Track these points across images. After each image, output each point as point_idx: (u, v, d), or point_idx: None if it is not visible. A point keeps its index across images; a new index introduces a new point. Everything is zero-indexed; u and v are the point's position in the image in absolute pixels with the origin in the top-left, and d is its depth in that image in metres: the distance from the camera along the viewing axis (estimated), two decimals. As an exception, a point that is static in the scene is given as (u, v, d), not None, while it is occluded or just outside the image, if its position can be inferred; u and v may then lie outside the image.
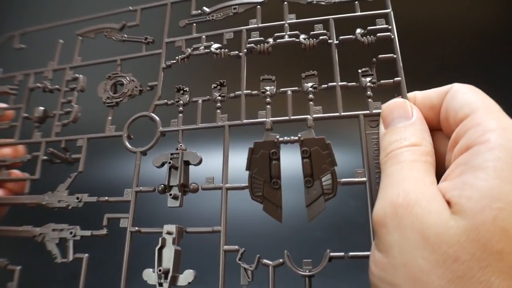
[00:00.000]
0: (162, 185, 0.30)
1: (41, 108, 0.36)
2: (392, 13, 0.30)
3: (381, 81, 0.28)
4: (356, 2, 0.31)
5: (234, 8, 0.34)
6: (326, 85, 0.29)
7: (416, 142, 0.23)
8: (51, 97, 0.37)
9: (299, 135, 0.27)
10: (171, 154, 0.29)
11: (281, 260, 0.26)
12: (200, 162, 0.29)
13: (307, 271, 0.25)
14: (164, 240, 0.27)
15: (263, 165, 0.28)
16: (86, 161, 0.33)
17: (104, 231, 0.30)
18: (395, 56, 0.28)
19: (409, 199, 0.21)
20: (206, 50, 0.33)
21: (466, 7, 0.87)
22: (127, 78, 0.34)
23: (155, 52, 0.34)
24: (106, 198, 0.31)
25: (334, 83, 0.29)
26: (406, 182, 0.21)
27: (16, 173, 0.36)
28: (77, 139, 0.34)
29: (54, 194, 0.32)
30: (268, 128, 0.28)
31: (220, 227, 0.27)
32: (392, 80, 0.28)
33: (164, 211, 0.29)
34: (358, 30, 0.30)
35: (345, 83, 0.29)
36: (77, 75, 0.36)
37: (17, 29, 0.41)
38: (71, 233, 0.31)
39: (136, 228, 0.29)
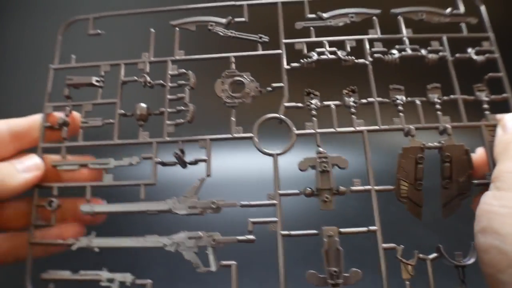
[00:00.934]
0: (309, 188, 0.31)
1: (143, 104, 0.34)
2: (493, 36, 0.35)
3: (492, 96, 0.33)
4: (463, 24, 0.35)
5: (351, 17, 0.35)
6: (448, 97, 0.33)
7: None
8: (148, 93, 0.35)
9: (442, 142, 0.31)
10: (319, 158, 0.31)
11: (436, 254, 0.29)
12: (347, 166, 0.31)
13: (461, 262, 0.29)
14: (330, 242, 0.29)
15: (410, 168, 0.31)
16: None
17: (251, 237, 0.30)
18: (501, 74, 0.33)
19: None
20: (333, 56, 0.34)
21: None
22: (246, 77, 0.34)
23: (275, 52, 0.34)
24: (248, 202, 0.31)
25: (456, 96, 0.33)
26: None
27: (98, 201, 0.33)
28: (198, 140, 0.32)
29: (181, 200, 0.31)
30: (413, 134, 0.31)
31: (375, 227, 0.30)
32: (500, 96, 0.33)
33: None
34: (470, 50, 0.34)
35: (465, 96, 0.33)
36: (184, 70, 0.34)
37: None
38: (214, 240, 0.30)
39: (287, 231, 0.30)
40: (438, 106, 0.33)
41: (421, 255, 0.29)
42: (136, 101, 0.34)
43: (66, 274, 0.30)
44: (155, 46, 0.35)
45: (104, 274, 0.30)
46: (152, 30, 0.36)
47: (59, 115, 0.34)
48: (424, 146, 0.31)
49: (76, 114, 0.34)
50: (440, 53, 0.34)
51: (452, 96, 0.33)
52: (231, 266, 0.29)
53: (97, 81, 0.35)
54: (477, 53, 0.34)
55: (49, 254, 0.32)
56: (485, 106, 0.33)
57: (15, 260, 0.32)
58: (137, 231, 0.31)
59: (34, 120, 0.34)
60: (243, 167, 0.49)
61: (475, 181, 0.31)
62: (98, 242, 0.31)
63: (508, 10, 0.63)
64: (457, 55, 0.34)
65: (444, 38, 0.34)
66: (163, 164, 0.32)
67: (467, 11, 0.35)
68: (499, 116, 0.32)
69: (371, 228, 0.30)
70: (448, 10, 0.35)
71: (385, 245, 0.29)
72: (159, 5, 0.37)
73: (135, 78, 0.34)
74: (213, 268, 0.29)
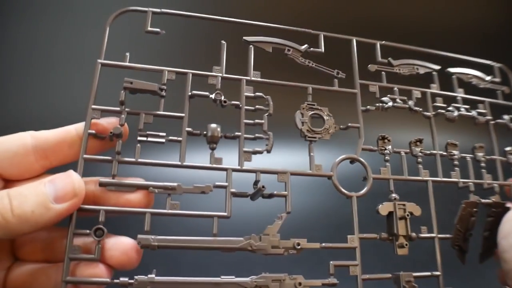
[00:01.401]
0: (385, 234, 0.31)
1: (215, 125, 0.30)
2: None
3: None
4: (499, 91, 0.40)
5: (417, 68, 0.37)
6: (489, 157, 0.37)
7: None
8: (216, 109, 0.31)
9: (492, 199, 0.34)
10: (397, 204, 0.31)
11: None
12: (420, 214, 0.32)
13: None
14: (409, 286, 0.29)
15: (466, 219, 0.33)
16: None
17: (335, 280, 0.28)
18: None
19: None
20: (405, 104, 0.35)
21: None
22: (325, 112, 0.33)
23: (352, 90, 0.34)
24: (331, 245, 0.29)
25: (496, 157, 0.37)
26: None
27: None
28: (277, 173, 0.30)
29: (263, 239, 0.28)
30: (472, 190, 0.34)
31: (438, 272, 0.31)
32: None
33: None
34: (505, 116, 0.39)
35: (502, 157, 0.37)
36: (262, 95, 0.31)
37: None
38: (299, 284, 0.27)
39: (367, 275, 0.29)
40: (482, 164, 0.36)
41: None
42: (202, 119, 0.30)
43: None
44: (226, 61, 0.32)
45: None
46: (223, 42, 0.32)
47: (110, 121, 0.28)
48: (479, 202, 0.33)
49: (127, 128, 0.28)
50: (486, 117, 0.38)
51: (493, 157, 0.37)
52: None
53: (160, 89, 0.29)
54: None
55: None
56: (516, 167, 0.38)
57: None
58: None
59: (66, 132, 0.27)
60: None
61: None
62: (161, 279, 0.26)
63: None
64: (498, 120, 0.38)
65: (487, 102, 0.38)
66: (236, 195, 0.29)
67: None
68: None
69: (435, 273, 0.31)
70: (489, 77, 0.40)
71: (450, 293, 0.31)
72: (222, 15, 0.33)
73: (208, 93, 0.30)
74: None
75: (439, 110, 0.36)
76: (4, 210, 0.22)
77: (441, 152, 0.35)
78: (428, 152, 0.35)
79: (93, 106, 0.28)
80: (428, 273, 0.31)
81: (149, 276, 0.26)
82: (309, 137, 0.31)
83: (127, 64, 0.30)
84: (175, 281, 0.26)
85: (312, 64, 0.34)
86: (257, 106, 0.31)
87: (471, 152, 0.37)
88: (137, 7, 0.31)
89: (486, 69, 0.40)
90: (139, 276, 0.25)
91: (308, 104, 0.32)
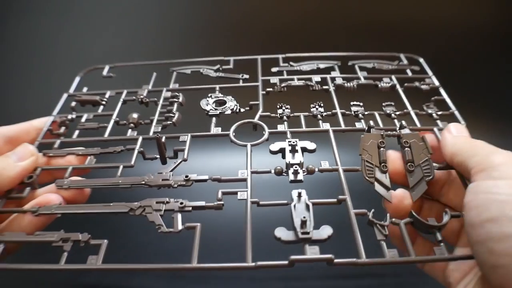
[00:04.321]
0: (279, 167, 0.32)
1: (135, 114, 0.39)
2: (433, 76, 0.42)
3: (440, 112, 0.38)
4: (408, 69, 0.43)
5: (317, 65, 0.44)
6: (402, 112, 0.38)
7: None
8: (144, 112, 0.40)
9: (400, 131, 0.34)
10: (289, 141, 0.33)
11: (409, 219, 0.28)
12: (315, 149, 0.33)
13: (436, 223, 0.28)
14: (298, 199, 0.28)
15: (373, 151, 0.33)
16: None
17: (220, 203, 0.30)
18: (445, 98, 0.39)
19: None
20: (301, 82, 0.41)
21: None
22: (228, 98, 0.40)
23: (253, 84, 0.41)
24: (219, 176, 0.31)
25: (409, 110, 0.38)
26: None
27: (76, 179, 0.34)
28: (179, 136, 0.36)
29: (156, 175, 0.32)
30: (373, 126, 0.35)
31: (345, 196, 0.30)
32: (448, 112, 0.38)
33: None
34: (416, 83, 0.41)
35: (417, 110, 0.38)
36: (176, 93, 0.41)
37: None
38: (181, 203, 0.30)
39: (256, 198, 0.30)
40: (394, 116, 0.37)
41: (393, 219, 0.28)
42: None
43: (20, 236, 0.29)
44: (157, 83, 0.43)
45: (57, 234, 0.28)
46: (155, 73, 0.44)
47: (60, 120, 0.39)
48: (384, 134, 0.34)
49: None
50: (391, 83, 0.41)
51: (405, 110, 0.38)
52: (196, 228, 0.28)
53: (101, 99, 0.41)
54: (421, 85, 0.41)
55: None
56: (435, 116, 0.37)
57: None
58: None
59: (25, 126, 0.37)
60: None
61: (436, 165, 0.32)
62: (61, 209, 0.30)
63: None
64: (406, 84, 0.41)
65: (393, 76, 0.42)
66: (144, 156, 0.35)
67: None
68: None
69: (341, 197, 0.30)
70: (395, 62, 0.44)
71: (355, 211, 0.29)
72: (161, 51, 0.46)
73: (133, 97, 0.41)
74: (177, 229, 0.28)
75: (336, 83, 0.40)
76: None
77: (342, 110, 0.38)
78: (330, 112, 0.38)
79: (54, 114, 0.40)
80: (334, 200, 0.30)
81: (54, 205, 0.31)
82: (210, 113, 0.38)
83: (84, 92, 0.43)
84: (74, 208, 0.30)
85: (221, 74, 0.43)
86: (170, 100, 0.40)
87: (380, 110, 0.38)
88: (100, 65, 0.46)
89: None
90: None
91: (214, 95, 0.40)
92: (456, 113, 0.38)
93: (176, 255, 0.29)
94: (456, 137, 0.32)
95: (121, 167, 0.33)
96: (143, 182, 0.32)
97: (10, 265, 0.26)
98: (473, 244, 0.25)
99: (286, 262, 0.25)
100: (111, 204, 0.30)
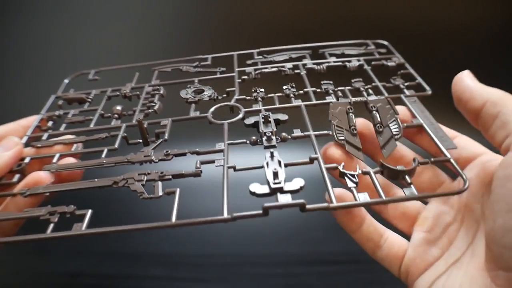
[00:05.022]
0: (254, 137, 0.34)
1: (119, 106, 0.41)
2: (399, 55, 0.45)
3: (407, 83, 0.40)
4: (375, 52, 0.46)
5: (290, 55, 0.47)
6: (370, 85, 0.40)
7: None
8: (127, 105, 0.42)
9: (366, 98, 0.36)
10: (262, 114, 0.35)
11: (378, 168, 0.30)
12: (287, 119, 0.35)
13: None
14: (270, 158, 0.30)
15: (343, 117, 0.35)
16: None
17: (199, 170, 0.31)
18: (411, 71, 0.42)
19: None
20: (274, 69, 0.43)
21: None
22: (206, 88, 0.42)
23: (229, 75, 0.44)
24: (197, 149, 0.33)
25: (377, 83, 0.40)
26: None
27: (69, 159, 0.35)
28: (160, 121, 0.38)
29: (138, 153, 0.34)
30: (340, 95, 0.37)
31: (317, 155, 0.31)
32: (415, 82, 0.40)
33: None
34: (383, 61, 0.44)
35: (384, 83, 0.40)
36: (157, 87, 0.43)
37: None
38: (161, 173, 0.31)
39: (233, 164, 0.31)
40: (362, 89, 0.39)
41: (363, 169, 0.30)
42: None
43: (10, 214, 0.30)
44: (139, 81, 0.46)
45: (45, 209, 0.29)
46: (137, 73, 0.47)
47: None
48: (351, 101, 0.36)
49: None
50: (358, 63, 0.43)
51: (373, 84, 0.40)
52: (175, 192, 0.29)
53: (86, 97, 0.43)
54: (388, 62, 0.44)
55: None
56: (402, 87, 0.40)
57: None
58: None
59: (13, 125, 0.39)
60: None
61: (405, 124, 0.34)
62: (49, 189, 0.32)
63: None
64: (373, 63, 0.43)
65: (361, 58, 0.44)
66: (127, 141, 0.37)
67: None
68: None
69: (312, 156, 0.31)
70: (363, 47, 0.47)
71: (327, 166, 0.30)
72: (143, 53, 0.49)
73: (117, 93, 0.43)
74: (157, 194, 0.29)
75: (307, 66, 0.43)
76: None
77: (313, 89, 0.40)
78: (302, 91, 0.40)
79: (42, 112, 0.42)
80: (306, 159, 0.31)
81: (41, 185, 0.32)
82: (189, 100, 0.40)
83: (71, 93, 0.45)
84: (61, 186, 0.32)
85: (200, 69, 0.46)
86: (152, 93, 0.42)
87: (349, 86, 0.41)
88: (86, 70, 0.48)
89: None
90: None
91: (192, 86, 0.43)
92: (422, 81, 0.40)
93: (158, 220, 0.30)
94: (482, 85, 0.29)
95: (105, 150, 0.35)
96: (126, 160, 0.33)
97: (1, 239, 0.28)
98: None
99: (260, 211, 0.26)
100: (96, 180, 0.32)
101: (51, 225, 0.28)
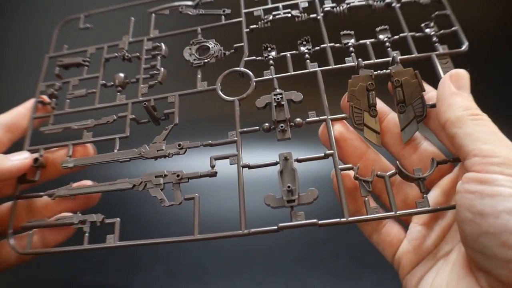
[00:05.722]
0: (267, 124, 0.32)
1: (121, 74, 0.38)
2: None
3: (441, 31, 0.35)
4: None
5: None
6: (397, 36, 0.35)
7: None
8: (128, 68, 0.39)
9: (390, 69, 0.32)
10: (274, 95, 0.32)
11: (394, 171, 0.29)
12: (302, 100, 0.32)
13: (420, 174, 0.29)
14: (285, 164, 0.29)
15: (362, 96, 0.32)
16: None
17: (214, 170, 0.31)
18: (448, 11, 0.35)
19: None
20: (287, 14, 0.37)
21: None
22: (211, 42, 0.38)
23: (236, 20, 0.38)
24: (210, 141, 0.32)
25: (405, 34, 0.35)
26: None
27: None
28: (167, 97, 0.35)
29: (151, 146, 0.33)
30: (362, 65, 0.33)
31: (331, 151, 0.30)
32: (450, 30, 0.34)
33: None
34: None
35: (414, 33, 0.35)
36: (157, 43, 0.39)
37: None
38: (178, 176, 0.31)
39: (247, 162, 0.31)
40: (388, 44, 0.34)
41: (379, 173, 0.29)
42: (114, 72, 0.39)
43: (43, 222, 0.33)
44: (137, 32, 0.41)
45: (76, 217, 0.32)
46: (132, 18, 0.41)
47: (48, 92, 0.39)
48: (373, 74, 0.32)
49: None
50: (386, 1, 0.36)
51: (401, 35, 0.35)
52: (194, 198, 0.30)
53: (83, 61, 0.40)
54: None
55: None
56: (435, 39, 0.34)
57: None
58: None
59: (19, 110, 0.37)
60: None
61: (429, 103, 0.31)
62: (74, 191, 0.33)
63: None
64: (403, 0, 0.36)
65: (388, -11, 0.37)
66: (137, 121, 0.36)
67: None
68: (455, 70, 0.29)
69: (327, 152, 0.30)
70: None
71: (342, 166, 0.30)
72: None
73: (116, 54, 0.39)
74: (178, 201, 0.31)
75: (325, 9, 0.37)
76: None
77: (331, 44, 0.35)
78: (318, 48, 0.35)
79: (41, 83, 0.39)
80: (321, 154, 0.30)
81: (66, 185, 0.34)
82: (195, 64, 0.37)
83: (65, 52, 0.41)
84: (83, 190, 0.33)
85: (202, 12, 0.40)
86: (153, 53, 0.38)
87: (374, 37, 0.35)
88: (75, 15, 0.43)
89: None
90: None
91: (195, 41, 0.38)
92: (459, 29, 0.34)
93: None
94: (456, 98, 0.27)
95: (117, 139, 0.34)
96: (140, 155, 0.33)
97: (41, 250, 0.31)
98: (479, 236, 0.23)
99: (275, 227, 0.28)
100: (116, 182, 0.33)
101: (86, 236, 0.31)
